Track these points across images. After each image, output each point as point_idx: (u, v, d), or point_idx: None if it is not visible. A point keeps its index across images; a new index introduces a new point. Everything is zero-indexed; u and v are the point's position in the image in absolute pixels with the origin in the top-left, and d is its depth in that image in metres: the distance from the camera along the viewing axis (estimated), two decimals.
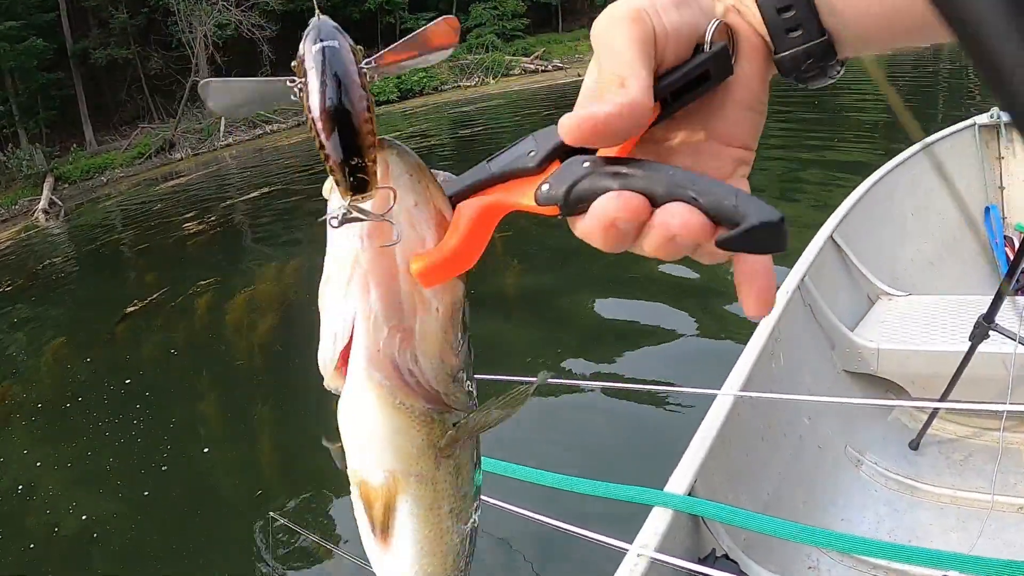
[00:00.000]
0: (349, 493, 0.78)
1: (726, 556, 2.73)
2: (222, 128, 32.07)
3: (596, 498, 2.77)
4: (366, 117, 0.60)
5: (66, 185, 28.23)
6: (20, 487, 6.94)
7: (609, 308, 8.02)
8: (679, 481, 2.73)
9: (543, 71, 39.25)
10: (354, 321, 0.72)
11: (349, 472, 0.79)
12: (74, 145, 30.90)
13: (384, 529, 0.80)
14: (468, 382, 0.80)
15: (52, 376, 9.66)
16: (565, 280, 9.18)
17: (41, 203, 25.38)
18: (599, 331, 7.54)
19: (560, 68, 39.22)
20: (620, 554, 2.46)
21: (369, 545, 0.83)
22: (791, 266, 4.28)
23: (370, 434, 0.75)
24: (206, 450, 6.91)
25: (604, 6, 0.62)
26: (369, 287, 0.71)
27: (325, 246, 0.72)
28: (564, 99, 26.96)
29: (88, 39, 32.92)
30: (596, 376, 6.44)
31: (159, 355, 9.37)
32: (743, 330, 3.78)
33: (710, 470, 2.86)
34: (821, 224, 4.65)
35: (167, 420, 7.52)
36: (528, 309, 8.61)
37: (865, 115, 16.32)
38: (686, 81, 0.60)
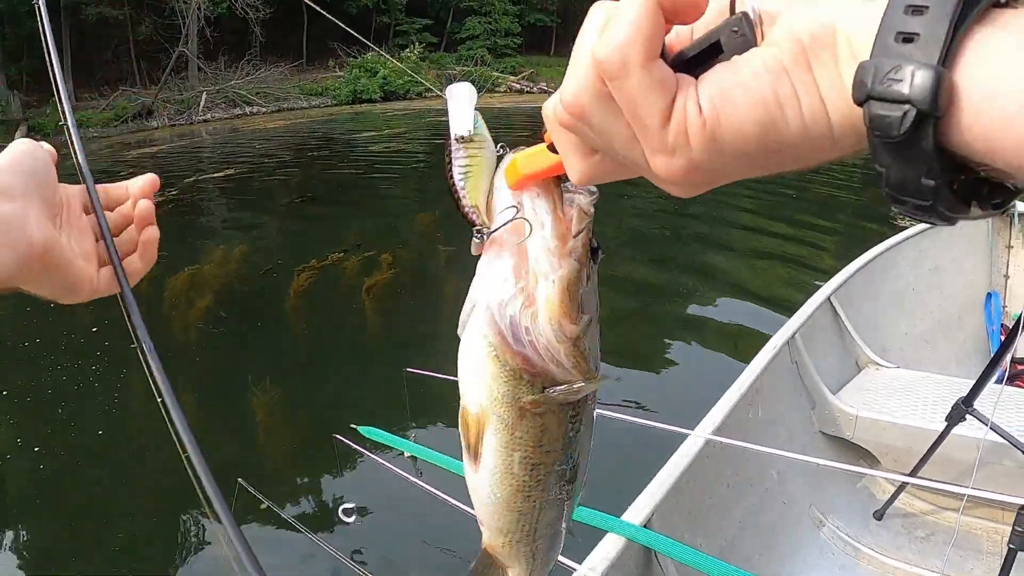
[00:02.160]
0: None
1: None
2: (202, 102, 31.82)
3: None
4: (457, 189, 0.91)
5: (39, 136, 27.60)
6: None
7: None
8: (636, 512, 2.75)
9: (528, 92, 39.47)
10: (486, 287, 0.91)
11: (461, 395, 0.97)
12: (52, 97, 30.38)
13: (474, 451, 0.98)
14: (592, 358, 0.94)
15: None
16: None
17: None
18: None
19: (545, 91, 39.36)
20: (567, 572, 2.47)
21: (466, 461, 1.01)
22: (785, 319, 4.34)
23: (471, 372, 0.94)
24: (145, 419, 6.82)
25: None
26: (503, 258, 0.90)
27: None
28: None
29: None
30: None
31: (93, 319, 9.27)
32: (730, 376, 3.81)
33: (670, 506, 2.88)
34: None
35: (87, 383, 7.61)
36: None
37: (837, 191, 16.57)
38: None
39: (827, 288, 4.69)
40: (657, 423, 3.10)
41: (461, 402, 0.96)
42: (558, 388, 0.94)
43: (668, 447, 3.19)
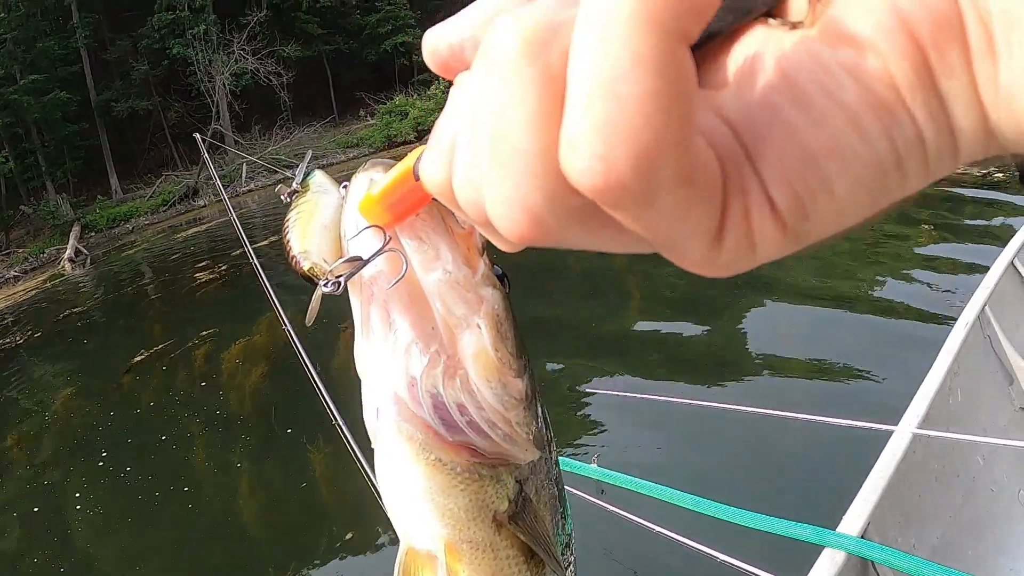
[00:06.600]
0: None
1: None
2: (243, 174, 32.44)
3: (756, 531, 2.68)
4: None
5: (92, 233, 28.57)
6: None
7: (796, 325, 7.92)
8: (852, 522, 2.61)
9: None
10: (383, 368, 0.65)
11: (400, 538, 0.71)
12: (98, 194, 31.36)
13: None
14: (539, 419, 0.69)
15: (59, 425, 10.43)
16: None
17: (67, 251, 25.75)
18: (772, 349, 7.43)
19: None
20: None
21: None
22: (971, 295, 4.02)
23: (413, 500, 0.67)
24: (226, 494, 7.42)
25: None
26: (391, 320, 0.64)
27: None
28: None
29: (111, 91, 33.41)
30: (754, 396, 6.31)
31: (159, 403, 10.00)
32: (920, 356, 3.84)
33: (883, 511, 2.72)
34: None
35: (160, 464, 8.32)
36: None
37: None
38: None
39: (1008, 251, 4.26)
40: (858, 422, 2.99)
41: (402, 548, 0.70)
42: (527, 472, 0.71)
43: (860, 447, 3.17)
